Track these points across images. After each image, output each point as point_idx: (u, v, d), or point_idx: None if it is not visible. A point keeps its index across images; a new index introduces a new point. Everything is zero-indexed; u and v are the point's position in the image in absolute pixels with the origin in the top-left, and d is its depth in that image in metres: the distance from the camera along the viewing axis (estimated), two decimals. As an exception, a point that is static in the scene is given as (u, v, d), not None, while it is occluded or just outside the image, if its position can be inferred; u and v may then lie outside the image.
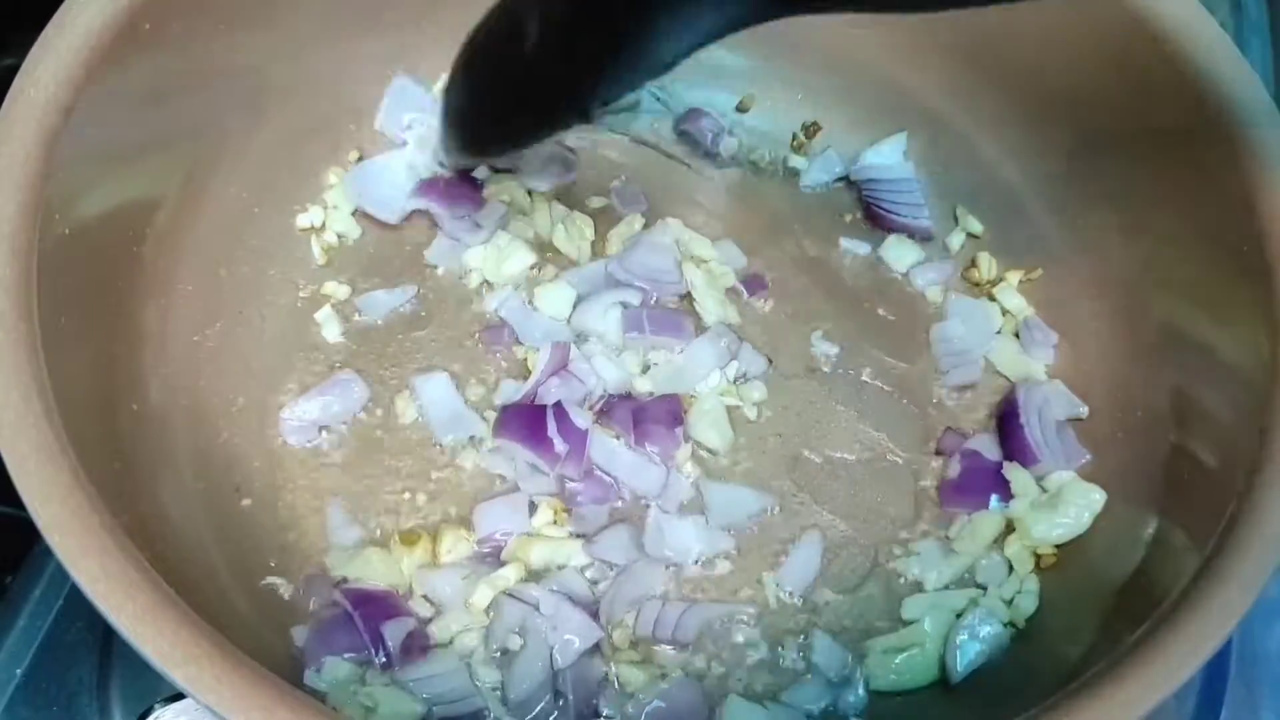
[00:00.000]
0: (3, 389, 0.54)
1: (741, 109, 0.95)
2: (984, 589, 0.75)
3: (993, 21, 0.82)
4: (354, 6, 0.82)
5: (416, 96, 0.88)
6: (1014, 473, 0.77)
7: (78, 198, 0.63)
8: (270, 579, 0.70)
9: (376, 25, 0.84)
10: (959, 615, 0.73)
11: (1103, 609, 0.68)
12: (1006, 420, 0.79)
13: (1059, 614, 0.73)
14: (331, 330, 0.82)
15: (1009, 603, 0.74)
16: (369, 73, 0.87)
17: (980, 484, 0.78)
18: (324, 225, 0.85)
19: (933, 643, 0.72)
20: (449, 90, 0.74)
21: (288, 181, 0.84)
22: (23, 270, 0.57)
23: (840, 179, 0.93)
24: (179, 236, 0.75)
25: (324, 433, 0.77)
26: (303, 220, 0.85)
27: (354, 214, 0.86)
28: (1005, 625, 0.72)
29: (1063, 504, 0.75)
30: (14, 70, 0.62)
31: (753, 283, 0.87)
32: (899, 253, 0.89)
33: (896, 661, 0.71)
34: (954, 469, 0.79)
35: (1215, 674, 0.76)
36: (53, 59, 0.62)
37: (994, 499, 0.77)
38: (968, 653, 0.70)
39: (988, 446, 0.79)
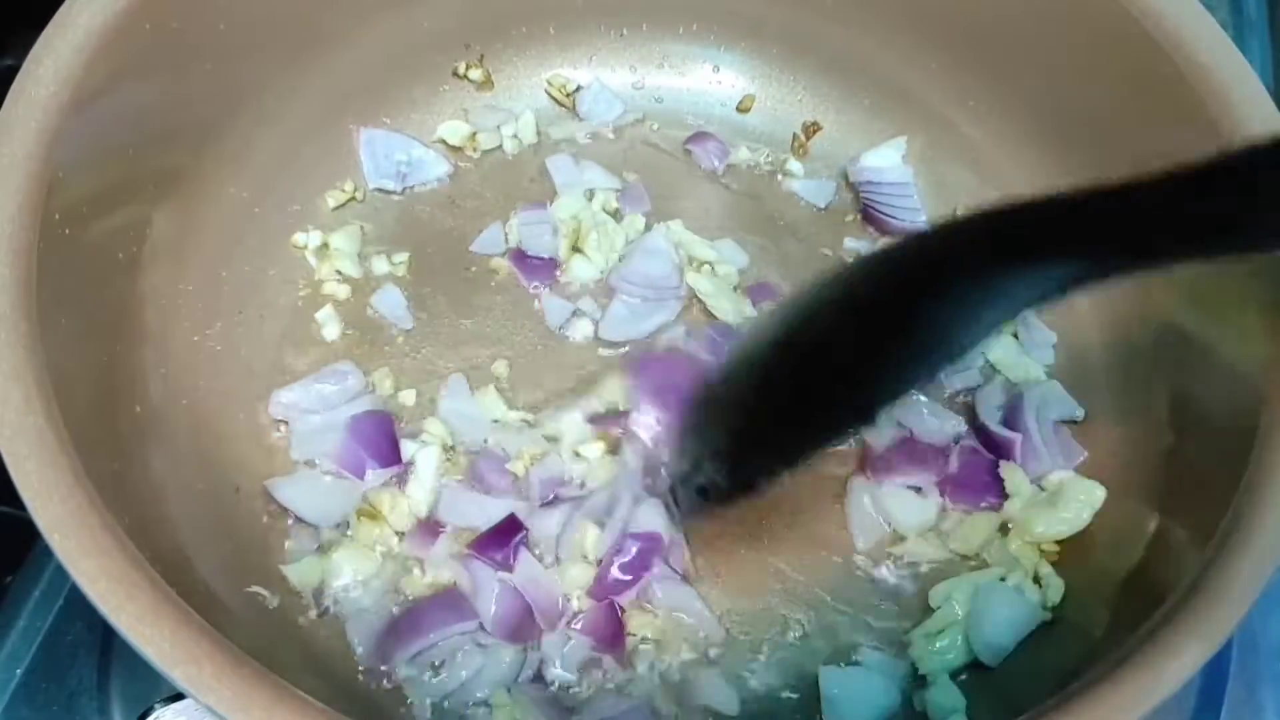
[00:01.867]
0: (3, 389, 0.54)
1: (742, 109, 0.95)
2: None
3: (994, 22, 0.83)
4: (349, 10, 0.82)
5: (394, 142, 0.89)
6: (1009, 471, 0.77)
7: (78, 198, 0.63)
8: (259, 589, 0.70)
9: (368, 27, 0.84)
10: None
11: (1103, 609, 0.68)
12: (1006, 420, 0.79)
13: (1059, 614, 0.73)
14: (331, 330, 0.82)
15: (1037, 581, 0.74)
16: (368, 73, 0.87)
17: (979, 480, 0.78)
18: (323, 246, 0.86)
19: (963, 621, 0.72)
20: (698, 435, 0.66)
21: (288, 182, 0.85)
22: (23, 270, 0.57)
23: (839, 182, 0.93)
24: (179, 236, 0.75)
25: (303, 416, 0.77)
26: (300, 239, 0.85)
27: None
28: (1037, 604, 0.72)
29: (1063, 501, 0.75)
30: (14, 70, 0.62)
31: (759, 290, 0.87)
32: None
33: (939, 645, 0.72)
34: (954, 464, 0.79)
35: (1215, 673, 0.76)
36: (53, 59, 0.62)
37: (990, 499, 0.78)
38: (999, 627, 0.71)
39: (989, 445, 0.79)
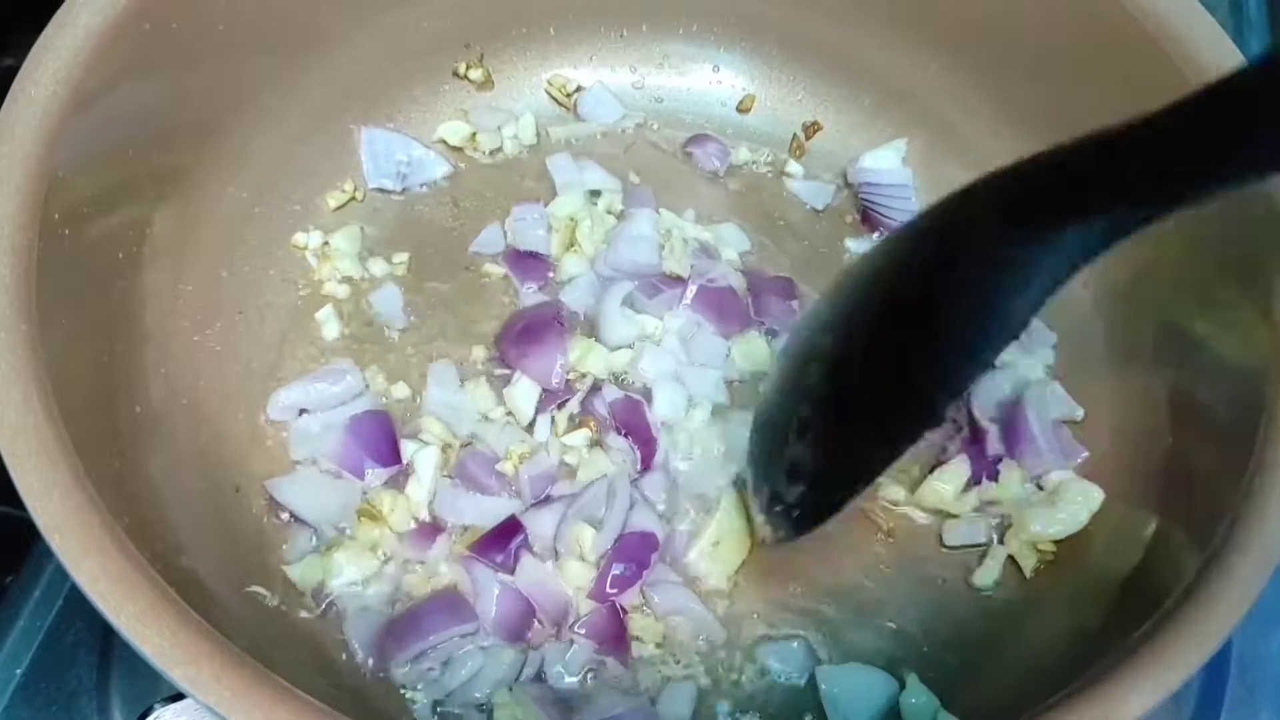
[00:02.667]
0: (3, 389, 0.54)
1: (742, 109, 0.95)
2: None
3: (994, 23, 0.83)
4: (349, 10, 0.82)
5: (395, 142, 0.89)
6: (1008, 470, 0.77)
7: (78, 198, 0.63)
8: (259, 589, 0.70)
9: (368, 27, 0.84)
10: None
11: (1103, 609, 0.68)
12: (1006, 420, 0.79)
13: (1059, 614, 0.73)
14: (331, 329, 0.82)
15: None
16: (368, 73, 0.87)
17: (976, 471, 0.78)
18: (324, 246, 0.86)
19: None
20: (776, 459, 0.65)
21: (288, 182, 0.85)
22: (23, 270, 0.57)
23: (839, 183, 0.93)
24: (179, 236, 0.75)
25: (303, 416, 0.77)
26: (300, 239, 0.85)
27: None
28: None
29: (1061, 501, 0.75)
30: (14, 70, 0.62)
31: (757, 279, 0.87)
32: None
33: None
34: (952, 450, 0.79)
35: (1215, 674, 0.76)
36: (53, 59, 0.62)
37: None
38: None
39: (991, 444, 0.79)
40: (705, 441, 0.79)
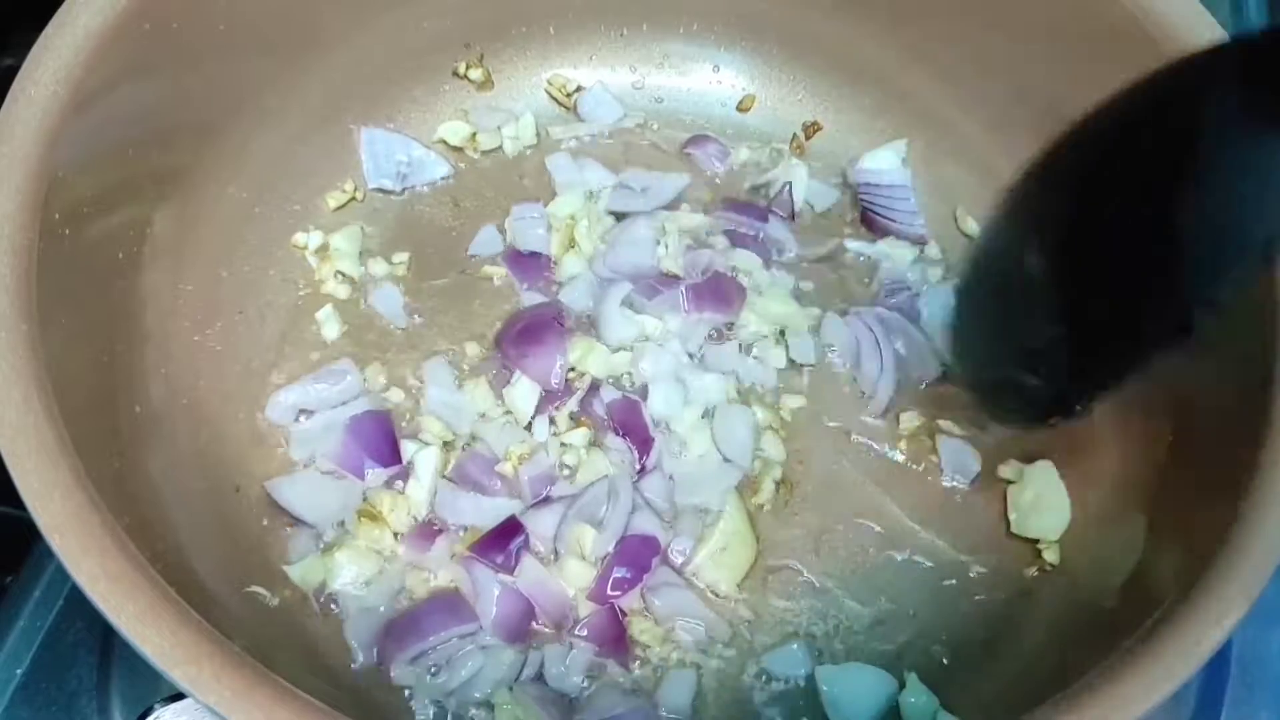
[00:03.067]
0: (3, 389, 0.54)
1: (742, 109, 0.95)
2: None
3: (994, 23, 0.82)
4: (349, 10, 0.82)
5: (394, 142, 0.89)
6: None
7: (78, 198, 0.63)
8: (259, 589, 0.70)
9: (368, 27, 0.84)
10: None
11: (1103, 609, 0.68)
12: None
13: (1059, 614, 0.73)
14: (331, 329, 0.82)
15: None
16: (368, 73, 0.87)
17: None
18: (324, 246, 0.85)
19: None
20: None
21: (288, 182, 0.85)
22: (23, 270, 0.57)
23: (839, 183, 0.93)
24: (179, 236, 0.75)
25: (302, 416, 0.77)
26: (300, 239, 0.85)
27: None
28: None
29: (1041, 500, 0.77)
30: (14, 70, 0.62)
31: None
32: (895, 254, 0.90)
33: None
34: None
35: (1215, 674, 0.76)
36: (53, 59, 0.62)
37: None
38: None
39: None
40: (704, 444, 0.78)
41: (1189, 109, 0.51)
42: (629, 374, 0.81)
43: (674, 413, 0.79)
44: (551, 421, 0.78)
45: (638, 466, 0.77)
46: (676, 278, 0.84)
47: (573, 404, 0.79)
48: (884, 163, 0.91)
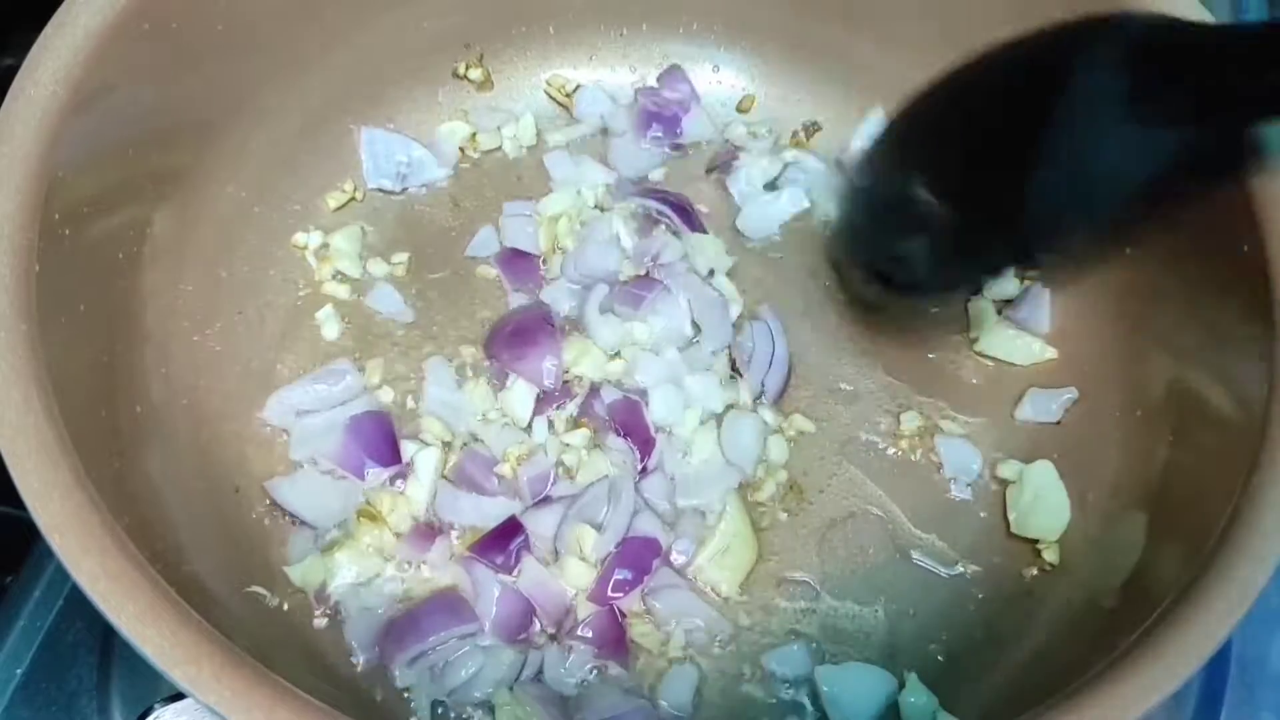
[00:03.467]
0: (3, 389, 0.54)
1: (741, 109, 0.95)
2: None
3: (995, 24, 0.82)
4: (349, 10, 0.82)
5: (394, 142, 0.89)
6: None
7: (78, 198, 0.63)
8: (259, 589, 0.70)
9: (368, 27, 0.84)
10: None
11: (1103, 609, 0.68)
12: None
13: (1059, 614, 0.73)
14: (331, 329, 0.82)
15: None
16: (368, 73, 0.87)
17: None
18: (323, 246, 0.85)
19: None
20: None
21: (288, 182, 0.85)
22: (23, 270, 0.57)
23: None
24: (179, 236, 0.75)
25: (302, 416, 0.77)
26: (300, 239, 0.85)
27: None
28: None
29: (1041, 500, 0.76)
30: (14, 70, 0.62)
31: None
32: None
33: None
34: None
35: (1215, 674, 0.76)
36: (53, 59, 0.62)
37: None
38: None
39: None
40: (709, 449, 0.78)
41: (1073, 68, 0.56)
42: (624, 378, 0.80)
43: (675, 418, 0.78)
44: (550, 424, 0.78)
45: (639, 467, 0.77)
46: (653, 279, 0.83)
47: (572, 407, 0.79)
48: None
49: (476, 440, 0.78)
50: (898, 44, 0.89)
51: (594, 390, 0.79)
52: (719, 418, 0.80)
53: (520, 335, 0.80)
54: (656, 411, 0.78)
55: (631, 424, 0.78)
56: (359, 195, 0.88)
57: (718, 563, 0.74)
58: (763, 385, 0.81)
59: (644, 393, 0.79)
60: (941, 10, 0.85)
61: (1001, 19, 0.81)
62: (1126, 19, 0.56)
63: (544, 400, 0.79)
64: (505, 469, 0.76)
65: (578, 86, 0.95)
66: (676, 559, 0.74)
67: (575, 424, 0.78)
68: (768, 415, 0.80)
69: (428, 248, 0.87)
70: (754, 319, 0.84)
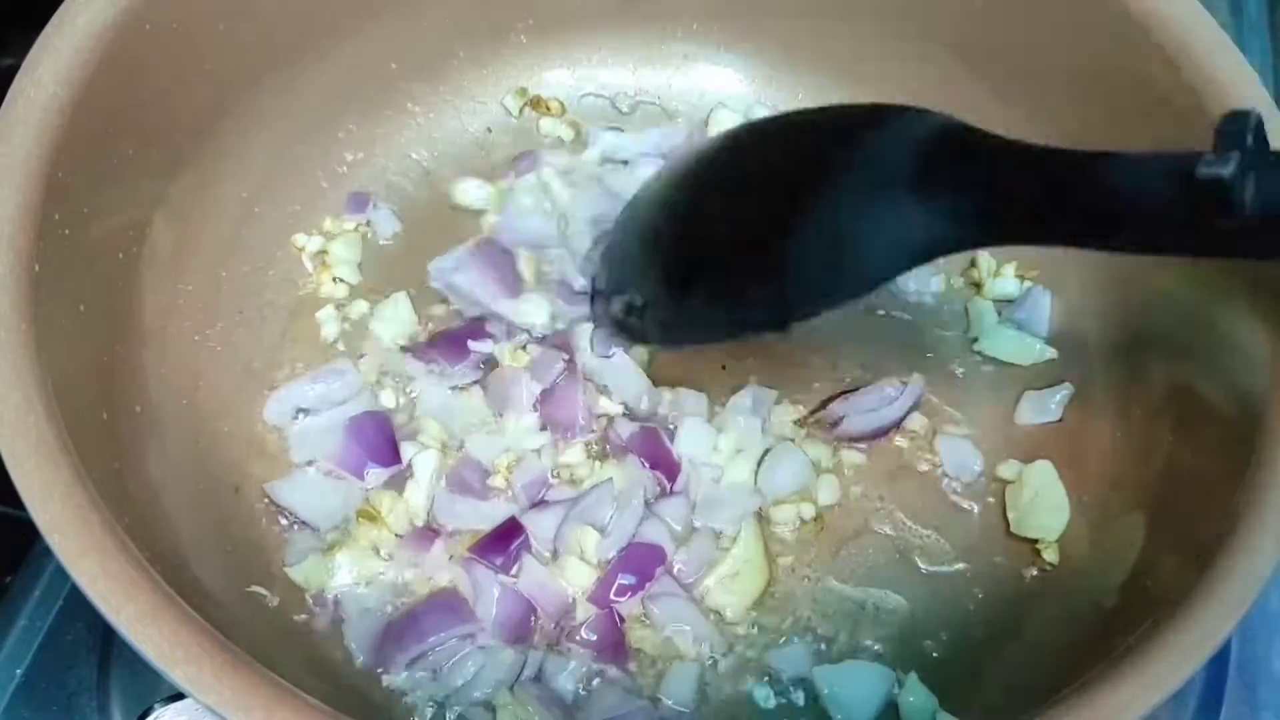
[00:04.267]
0: (3, 389, 0.54)
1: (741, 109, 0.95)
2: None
3: (996, 26, 0.82)
4: (349, 10, 0.82)
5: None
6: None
7: (78, 198, 0.63)
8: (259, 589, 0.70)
9: (373, 22, 0.84)
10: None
11: (1103, 609, 0.68)
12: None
13: (1059, 614, 0.73)
14: (331, 329, 0.82)
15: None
16: (366, 71, 0.87)
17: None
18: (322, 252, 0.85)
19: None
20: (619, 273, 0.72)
21: (288, 182, 0.85)
22: (23, 270, 0.57)
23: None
24: (179, 236, 0.75)
25: (302, 416, 0.77)
26: (300, 240, 0.85)
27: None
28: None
29: (1040, 500, 0.76)
30: (14, 70, 0.62)
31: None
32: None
33: None
34: None
35: (1215, 674, 0.76)
36: (53, 58, 0.62)
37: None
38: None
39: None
40: (735, 475, 0.77)
41: (855, 143, 0.59)
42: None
43: (703, 453, 0.77)
44: (555, 445, 0.77)
45: (664, 490, 0.76)
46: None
47: (593, 439, 0.78)
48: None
49: (470, 444, 0.77)
50: (899, 45, 0.89)
51: (610, 422, 0.78)
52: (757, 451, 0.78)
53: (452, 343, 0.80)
54: (684, 445, 0.77)
55: (655, 455, 0.76)
56: (359, 195, 0.88)
57: (726, 586, 0.73)
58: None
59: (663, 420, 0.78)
60: (943, 11, 0.85)
61: (1002, 20, 0.82)
62: (922, 113, 0.59)
63: (558, 432, 0.78)
64: (498, 480, 0.76)
65: (577, 88, 0.94)
66: (681, 571, 0.74)
67: (601, 455, 0.78)
68: (816, 450, 0.79)
69: (428, 248, 0.87)
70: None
